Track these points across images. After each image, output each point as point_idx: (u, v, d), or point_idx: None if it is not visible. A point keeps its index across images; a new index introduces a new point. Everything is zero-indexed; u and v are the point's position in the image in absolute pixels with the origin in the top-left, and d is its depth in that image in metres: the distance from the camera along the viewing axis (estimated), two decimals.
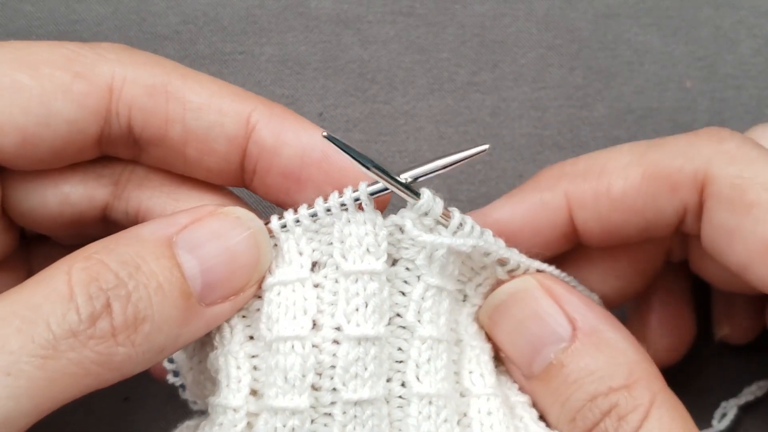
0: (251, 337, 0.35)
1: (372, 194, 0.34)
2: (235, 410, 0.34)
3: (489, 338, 0.38)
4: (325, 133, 0.34)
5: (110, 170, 0.38)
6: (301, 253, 0.35)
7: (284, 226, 0.35)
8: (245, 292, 0.34)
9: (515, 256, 0.37)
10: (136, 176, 0.38)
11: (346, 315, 0.34)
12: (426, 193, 0.34)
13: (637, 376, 0.35)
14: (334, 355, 0.34)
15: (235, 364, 0.34)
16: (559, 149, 0.53)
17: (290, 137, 0.36)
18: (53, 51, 0.35)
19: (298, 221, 0.35)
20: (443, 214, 0.35)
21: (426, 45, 0.55)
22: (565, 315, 0.36)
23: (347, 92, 0.53)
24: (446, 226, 0.35)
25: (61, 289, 0.30)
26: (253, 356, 0.35)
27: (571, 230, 0.39)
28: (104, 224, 0.39)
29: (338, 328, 0.34)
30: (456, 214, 0.35)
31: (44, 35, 0.52)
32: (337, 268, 0.34)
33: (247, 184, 0.37)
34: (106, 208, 0.38)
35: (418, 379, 0.34)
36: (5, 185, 0.37)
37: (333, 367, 0.34)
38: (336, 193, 0.35)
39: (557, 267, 0.39)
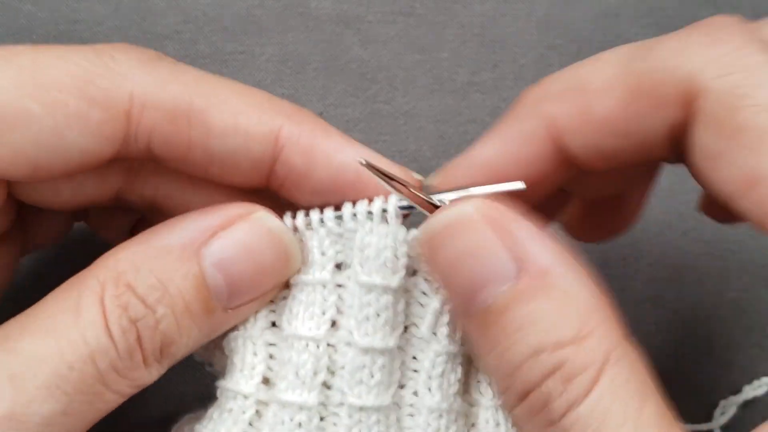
0: (273, 324, 0.35)
1: (401, 208, 0.34)
2: (245, 397, 0.34)
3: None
4: (362, 161, 0.33)
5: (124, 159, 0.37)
6: (323, 254, 0.34)
7: (309, 224, 0.34)
8: (271, 293, 0.34)
9: None
10: (152, 163, 0.36)
11: (357, 322, 0.34)
12: None
13: (590, 327, 0.29)
14: (345, 356, 0.34)
15: (252, 350, 0.34)
16: None
17: (321, 160, 0.34)
18: (64, 69, 0.32)
19: (322, 222, 0.34)
20: None
21: (426, 45, 0.55)
22: (510, 252, 0.30)
23: (347, 92, 0.53)
24: None
25: (98, 323, 0.30)
26: (271, 344, 0.35)
27: (566, 157, 0.34)
28: (117, 203, 0.38)
29: (351, 333, 0.34)
30: None
31: (44, 35, 0.52)
32: (356, 274, 0.34)
33: (273, 191, 0.36)
34: (120, 191, 0.37)
35: (429, 391, 0.34)
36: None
37: (343, 368, 0.34)
38: (365, 201, 0.34)
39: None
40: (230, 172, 0.34)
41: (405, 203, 0.34)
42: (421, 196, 0.33)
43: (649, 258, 0.51)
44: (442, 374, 0.34)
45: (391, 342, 0.34)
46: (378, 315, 0.33)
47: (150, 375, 0.32)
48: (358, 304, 0.34)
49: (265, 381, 0.34)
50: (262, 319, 0.35)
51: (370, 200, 0.34)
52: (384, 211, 0.34)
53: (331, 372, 0.34)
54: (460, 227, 0.31)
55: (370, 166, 0.33)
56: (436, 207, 0.33)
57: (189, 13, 0.54)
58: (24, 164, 0.32)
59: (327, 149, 0.34)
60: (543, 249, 0.31)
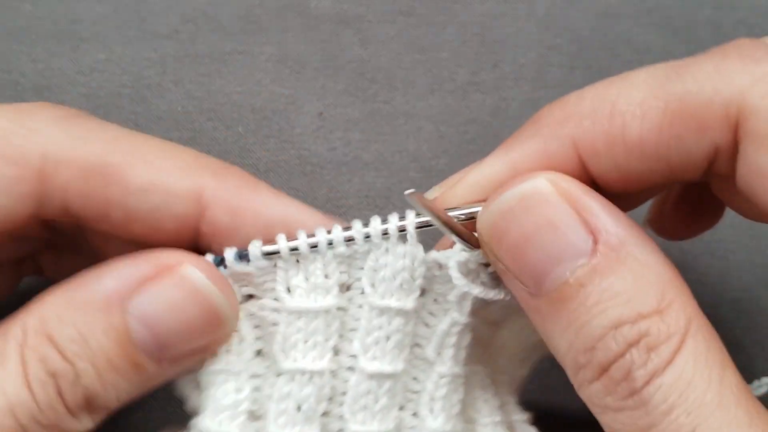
0: (259, 352, 0.33)
1: (419, 227, 0.32)
2: None
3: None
4: (409, 192, 0.31)
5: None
6: (327, 277, 0.32)
7: (314, 246, 0.32)
8: (218, 344, 0.32)
9: None
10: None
11: (364, 346, 0.32)
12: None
13: (670, 298, 0.29)
14: (346, 382, 0.32)
15: (235, 386, 0.32)
16: None
17: (248, 216, 0.33)
18: None
19: (331, 244, 0.32)
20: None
21: (426, 44, 0.55)
22: (585, 225, 0.30)
23: (347, 92, 0.53)
24: (486, 266, 0.33)
25: (17, 375, 0.29)
26: (255, 376, 0.33)
27: (586, 181, 0.32)
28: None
29: (355, 356, 0.32)
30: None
31: (44, 34, 0.52)
32: (362, 292, 0.33)
33: (203, 247, 0.34)
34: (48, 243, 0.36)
35: (432, 412, 0.33)
36: None
37: (344, 394, 0.32)
38: (377, 219, 0.32)
39: None
40: (153, 231, 0.33)
41: (422, 220, 0.32)
42: (458, 231, 0.32)
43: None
44: (445, 396, 0.33)
45: (400, 365, 0.32)
46: (388, 338, 0.32)
47: (82, 423, 0.31)
48: (366, 327, 0.32)
49: (252, 416, 0.32)
50: (247, 350, 0.33)
51: (383, 218, 0.33)
52: (402, 230, 0.32)
53: (330, 398, 0.32)
54: (534, 201, 0.30)
55: (413, 201, 0.31)
56: (466, 236, 0.32)
57: (188, 12, 0.54)
58: None
59: (254, 206, 0.33)
60: (617, 222, 0.30)
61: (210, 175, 0.33)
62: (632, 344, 0.28)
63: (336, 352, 0.32)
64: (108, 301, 0.30)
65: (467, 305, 0.33)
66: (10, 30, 0.52)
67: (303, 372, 0.32)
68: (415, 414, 0.33)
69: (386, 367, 0.32)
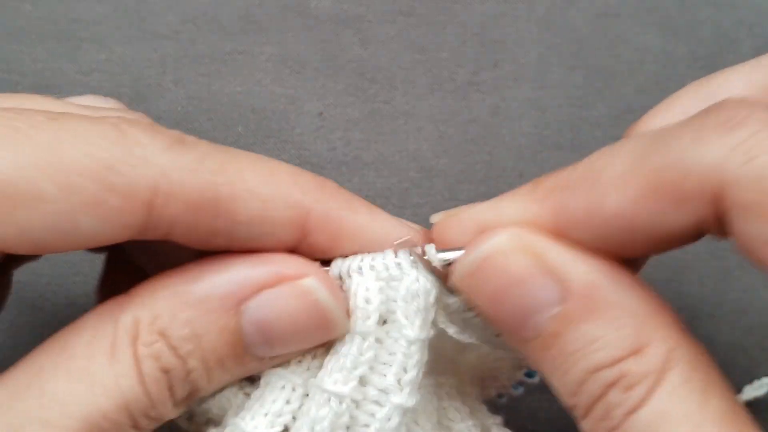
0: (300, 361, 0.33)
1: (444, 261, 0.32)
2: None
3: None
4: (400, 242, 0.32)
5: None
6: (368, 302, 0.32)
7: (360, 268, 0.32)
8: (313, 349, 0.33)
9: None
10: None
11: (400, 382, 0.32)
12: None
13: (647, 336, 0.29)
14: (372, 415, 0.32)
15: (287, 396, 0.32)
16: (559, 149, 0.53)
17: (347, 240, 0.33)
18: (84, 150, 0.29)
19: (372, 267, 0.32)
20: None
21: (426, 44, 0.55)
22: (552, 276, 0.30)
23: (347, 92, 0.53)
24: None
25: (131, 371, 0.29)
26: (305, 395, 0.33)
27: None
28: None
29: (384, 391, 0.32)
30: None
31: (44, 34, 0.52)
32: (400, 328, 0.32)
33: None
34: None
35: None
36: None
37: (367, 426, 0.32)
38: (407, 251, 0.33)
39: None
40: (252, 251, 0.33)
41: (447, 256, 0.32)
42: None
43: (649, 258, 0.51)
44: (396, 429, 0.32)
45: (418, 397, 0.32)
46: (418, 371, 0.32)
47: (177, 412, 0.32)
48: (403, 361, 0.32)
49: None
50: (311, 364, 0.33)
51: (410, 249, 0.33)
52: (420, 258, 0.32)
53: (347, 427, 0.32)
54: (496, 260, 0.31)
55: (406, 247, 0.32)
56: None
57: (188, 12, 0.54)
58: (27, 243, 0.30)
59: (353, 229, 0.33)
60: (584, 266, 0.30)
61: (313, 201, 0.32)
62: (611, 386, 0.29)
63: (364, 382, 0.32)
64: (224, 303, 0.30)
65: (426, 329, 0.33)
66: (10, 30, 0.52)
67: (323, 391, 0.32)
68: None
69: (412, 401, 0.32)
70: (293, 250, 0.33)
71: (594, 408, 0.30)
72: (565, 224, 0.32)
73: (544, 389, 0.46)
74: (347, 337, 0.32)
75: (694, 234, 0.31)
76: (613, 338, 0.29)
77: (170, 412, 0.31)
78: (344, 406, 0.31)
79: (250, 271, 0.31)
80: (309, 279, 0.31)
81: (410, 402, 0.32)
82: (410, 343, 0.32)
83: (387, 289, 0.32)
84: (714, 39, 0.56)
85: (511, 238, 0.31)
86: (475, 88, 0.54)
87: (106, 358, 0.29)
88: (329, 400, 0.31)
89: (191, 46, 0.53)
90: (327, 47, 0.54)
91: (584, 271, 0.30)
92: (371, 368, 0.32)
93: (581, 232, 0.31)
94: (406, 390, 0.32)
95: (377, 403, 0.32)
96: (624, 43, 0.56)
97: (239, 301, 0.30)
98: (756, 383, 0.48)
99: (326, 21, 0.55)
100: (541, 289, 0.30)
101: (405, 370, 0.32)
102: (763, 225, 0.28)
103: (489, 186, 0.52)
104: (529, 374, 0.39)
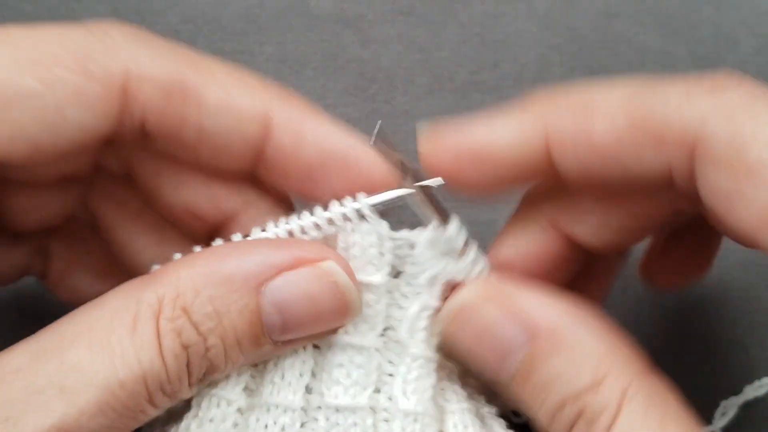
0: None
1: (376, 205, 0.34)
2: (293, 410, 0.33)
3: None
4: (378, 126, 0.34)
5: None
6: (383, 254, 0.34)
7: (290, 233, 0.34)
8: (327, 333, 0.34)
9: None
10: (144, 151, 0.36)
11: (411, 331, 0.34)
12: (455, 223, 0.34)
13: (603, 371, 0.32)
14: (399, 364, 0.34)
15: (302, 357, 0.34)
16: None
17: (310, 141, 0.34)
18: (61, 45, 0.32)
19: (304, 232, 0.34)
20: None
21: (426, 44, 0.55)
22: (518, 321, 0.33)
23: (347, 91, 0.53)
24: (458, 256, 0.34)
25: (152, 344, 0.30)
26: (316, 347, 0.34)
27: (548, 162, 0.35)
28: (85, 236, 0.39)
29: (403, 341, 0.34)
30: (472, 252, 0.35)
31: None
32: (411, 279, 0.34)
33: (260, 176, 0.36)
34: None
35: (404, 395, 0.34)
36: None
37: (392, 375, 0.34)
38: (336, 203, 0.34)
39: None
40: (221, 154, 0.34)
41: (378, 200, 0.34)
42: (426, 189, 0.34)
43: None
44: (417, 379, 0.34)
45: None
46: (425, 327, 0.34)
47: (190, 392, 0.32)
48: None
49: (308, 390, 0.34)
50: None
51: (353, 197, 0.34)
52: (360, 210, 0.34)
53: (314, 375, 0.34)
54: (467, 313, 0.34)
55: (383, 135, 0.34)
56: (435, 200, 0.34)
57: (188, 12, 0.54)
58: (24, 143, 0.31)
59: (317, 131, 0.34)
60: (548, 309, 0.33)
61: (277, 99, 0.34)
62: (576, 419, 0.32)
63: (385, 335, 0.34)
64: (247, 283, 0.31)
65: (437, 289, 0.34)
66: None
67: (353, 346, 0.34)
68: (390, 398, 0.34)
69: (358, 340, 0.33)
70: (258, 151, 0.34)
71: None
72: (554, 147, 0.34)
73: None
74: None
75: (664, 181, 0.33)
76: (574, 374, 0.32)
77: (185, 391, 0.31)
78: (375, 358, 0.33)
79: (272, 253, 0.32)
80: (328, 262, 0.32)
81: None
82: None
83: (325, 241, 0.34)
84: (714, 39, 0.56)
85: (476, 291, 0.34)
86: (475, 88, 0.54)
87: (127, 330, 0.30)
88: (360, 352, 0.33)
89: (191, 46, 0.53)
90: (327, 47, 0.54)
91: (549, 313, 0.33)
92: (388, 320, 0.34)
93: (567, 158, 0.34)
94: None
95: (401, 354, 0.34)
96: (624, 43, 0.55)
97: (261, 282, 0.31)
98: (756, 383, 0.48)
99: (326, 21, 0.55)
100: (509, 335, 0.33)
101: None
102: (729, 180, 0.30)
103: None
104: (516, 413, 0.39)
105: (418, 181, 0.34)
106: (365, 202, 0.33)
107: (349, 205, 0.33)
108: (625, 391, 0.31)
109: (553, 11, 0.56)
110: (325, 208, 0.34)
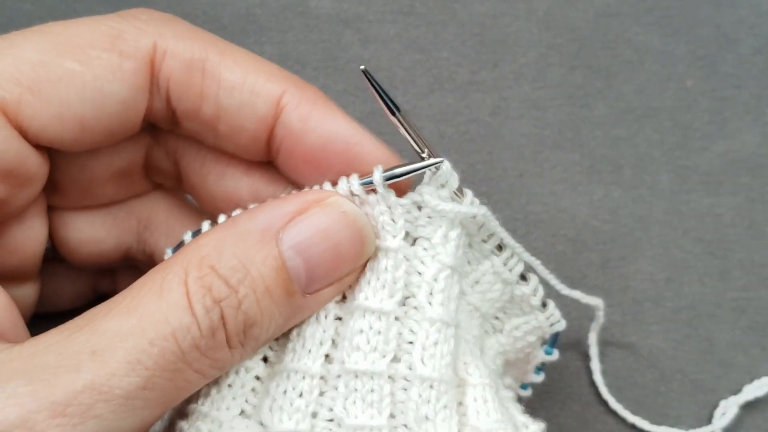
0: (344, 297, 0.35)
1: (387, 180, 0.35)
2: (312, 377, 0.34)
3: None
4: (362, 67, 0.35)
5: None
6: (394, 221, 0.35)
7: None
8: (348, 280, 0.35)
9: (510, 242, 0.37)
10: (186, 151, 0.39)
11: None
12: (446, 164, 0.35)
13: None
14: (419, 327, 0.34)
15: (322, 327, 0.35)
16: (559, 149, 0.53)
17: (316, 124, 0.36)
18: (94, 30, 0.35)
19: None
20: (456, 190, 0.35)
21: (426, 44, 0.55)
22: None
23: (347, 91, 0.53)
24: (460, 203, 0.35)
25: (180, 303, 0.31)
26: (338, 318, 0.35)
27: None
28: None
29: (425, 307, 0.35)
30: (469, 193, 0.35)
31: None
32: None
33: (272, 162, 0.38)
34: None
35: (422, 362, 0.34)
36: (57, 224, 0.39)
37: (412, 343, 0.34)
38: (345, 179, 0.35)
39: None
40: (236, 131, 0.36)
41: (386, 174, 0.34)
42: (415, 135, 0.35)
43: (649, 258, 0.51)
44: (435, 344, 0.34)
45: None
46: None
47: (233, 357, 0.33)
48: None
49: (328, 360, 0.34)
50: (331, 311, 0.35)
51: (362, 174, 0.35)
52: (368, 183, 0.34)
53: (404, 342, 0.34)
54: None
55: (367, 73, 0.34)
56: (424, 144, 0.35)
57: (189, 12, 0.54)
58: (71, 121, 0.34)
59: (322, 114, 0.36)
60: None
61: (291, 84, 0.37)
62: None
63: (404, 302, 0.35)
64: (264, 234, 0.32)
65: (451, 246, 0.35)
66: (11, 30, 0.52)
67: (371, 311, 0.34)
68: (409, 366, 0.34)
69: (378, 304, 0.34)
70: (269, 131, 0.36)
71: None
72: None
73: (551, 395, 0.46)
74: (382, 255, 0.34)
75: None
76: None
77: (224, 352, 0.32)
78: (391, 321, 0.34)
79: (280, 204, 0.34)
80: (332, 197, 0.34)
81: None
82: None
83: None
84: (714, 38, 0.56)
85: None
86: (475, 87, 0.54)
87: (155, 297, 0.31)
88: (379, 318, 0.34)
89: None
90: (327, 47, 0.54)
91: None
92: (406, 287, 0.35)
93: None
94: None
95: (421, 320, 0.34)
96: (624, 42, 0.56)
97: (276, 230, 0.33)
98: (756, 383, 0.48)
99: (326, 20, 0.55)
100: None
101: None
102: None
103: (489, 186, 0.52)
104: (548, 351, 0.41)
105: (410, 127, 0.36)
106: (379, 176, 0.34)
107: (355, 182, 0.34)
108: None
109: (553, 11, 0.56)
110: (334, 185, 0.35)
